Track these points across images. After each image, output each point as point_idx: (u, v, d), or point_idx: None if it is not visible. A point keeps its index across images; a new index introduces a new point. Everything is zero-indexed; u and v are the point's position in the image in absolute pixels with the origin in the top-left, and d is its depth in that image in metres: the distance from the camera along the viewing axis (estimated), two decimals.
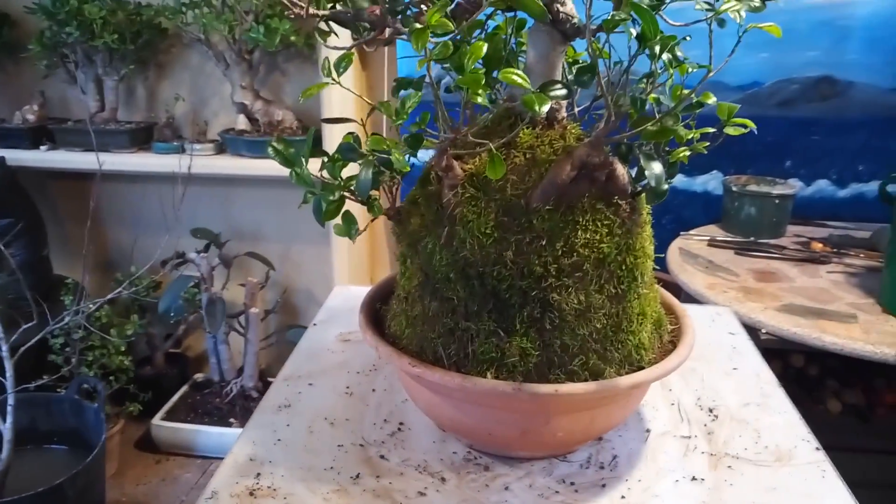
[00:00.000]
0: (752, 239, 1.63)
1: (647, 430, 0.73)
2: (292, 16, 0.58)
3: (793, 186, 1.73)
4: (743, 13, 0.58)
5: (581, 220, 0.59)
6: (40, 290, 1.80)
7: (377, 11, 0.58)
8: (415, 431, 0.72)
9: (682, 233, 1.66)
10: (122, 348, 1.83)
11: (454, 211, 0.60)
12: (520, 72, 0.46)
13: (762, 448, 0.70)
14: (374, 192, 0.59)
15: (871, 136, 1.82)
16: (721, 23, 0.58)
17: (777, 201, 1.66)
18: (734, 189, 1.69)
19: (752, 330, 1.21)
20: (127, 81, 1.89)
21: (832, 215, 1.84)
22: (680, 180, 1.87)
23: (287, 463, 0.66)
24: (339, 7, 0.61)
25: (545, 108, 0.46)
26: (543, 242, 0.59)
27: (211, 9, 1.58)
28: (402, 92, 0.56)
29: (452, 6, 0.59)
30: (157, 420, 1.87)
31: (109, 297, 1.52)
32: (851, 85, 1.79)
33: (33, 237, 1.87)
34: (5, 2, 1.87)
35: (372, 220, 0.61)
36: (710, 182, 1.87)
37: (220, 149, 1.80)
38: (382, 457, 0.68)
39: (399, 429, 0.72)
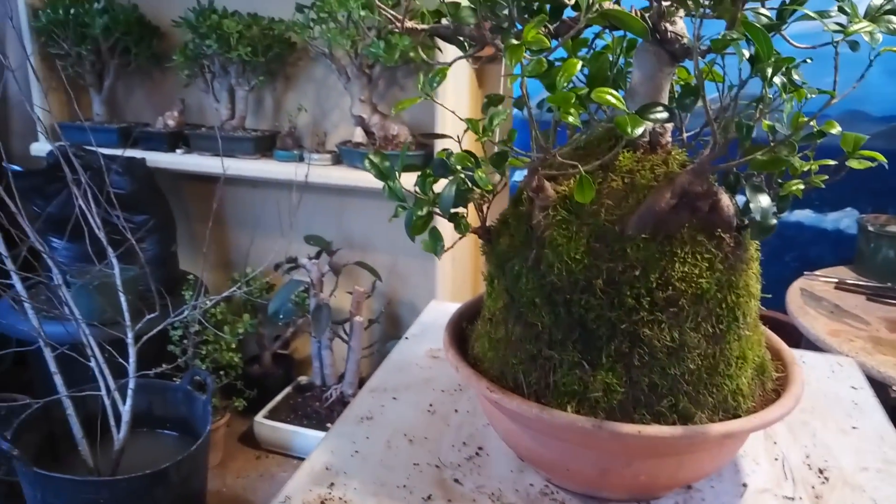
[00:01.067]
0: (888, 285, 1.48)
1: (744, 485, 0.67)
2: (395, 29, 0.59)
3: None
4: (878, 35, 0.53)
5: (679, 251, 0.56)
6: (167, 283, 1.92)
7: (486, 29, 0.57)
8: (493, 458, 0.70)
9: (806, 272, 1.54)
10: (233, 345, 1.92)
11: (544, 233, 0.58)
12: (614, 92, 0.44)
13: None
14: (461, 210, 0.58)
15: None
16: (854, 45, 0.53)
17: None
18: (871, 229, 1.55)
19: (880, 386, 1.10)
20: (256, 92, 2.00)
21: None
22: (808, 216, 1.74)
23: (361, 476, 0.66)
24: (443, 21, 0.61)
25: (638, 131, 0.43)
26: (637, 273, 0.55)
27: (337, 24, 1.64)
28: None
29: (556, 24, 0.57)
30: (259, 417, 1.94)
31: (224, 295, 1.60)
32: None
33: (164, 234, 2.00)
34: (156, 16, 2.03)
35: (459, 238, 0.60)
36: (843, 220, 1.72)
37: (337, 160, 1.86)
38: (457, 480, 0.66)
39: (477, 453, 0.70)
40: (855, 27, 0.51)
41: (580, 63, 0.44)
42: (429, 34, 0.60)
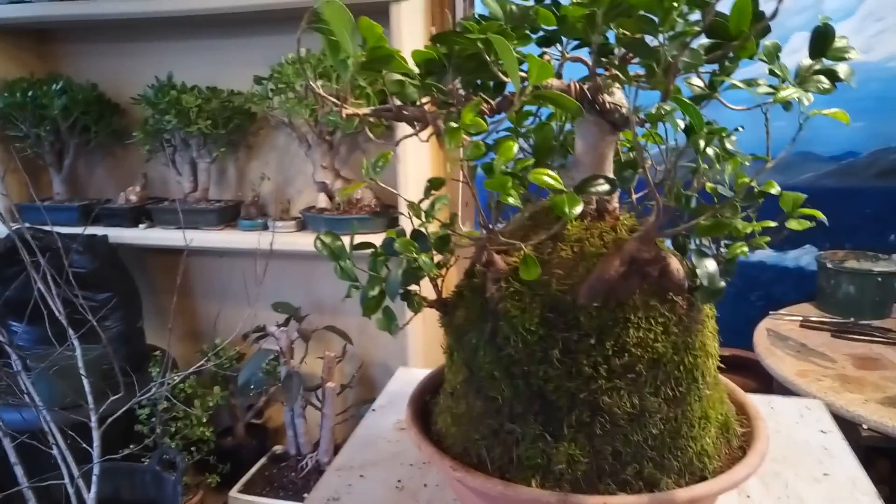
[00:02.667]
0: (851, 320, 1.51)
1: None
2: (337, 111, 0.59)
3: None
4: (810, 97, 0.55)
5: (633, 317, 0.56)
6: (133, 360, 1.88)
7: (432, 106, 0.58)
8: None
9: (771, 312, 1.56)
10: (204, 420, 1.87)
11: (498, 305, 0.58)
12: (551, 172, 0.45)
13: None
14: (414, 287, 0.58)
15: None
16: (787, 106, 0.55)
17: (879, 279, 1.54)
18: (830, 266, 1.58)
19: (850, 426, 1.11)
20: (219, 163, 2.00)
21: None
22: (769, 255, 1.77)
23: None
24: (392, 101, 0.62)
25: (576, 211, 0.44)
26: (592, 341, 0.56)
27: (295, 94, 1.66)
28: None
29: (499, 99, 0.58)
30: (234, 492, 1.89)
31: (192, 370, 1.57)
32: None
33: (129, 310, 1.97)
34: (115, 93, 2.04)
35: (413, 316, 0.60)
36: (804, 257, 1.76)
37: (302, 226, 1.86)
38: None
39: None
40: (783, 93, 0.53)
41: (516, 146, 0.45)
42: (373, 117, 0.61)
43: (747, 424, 0.66)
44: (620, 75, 0.54)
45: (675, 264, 0.57)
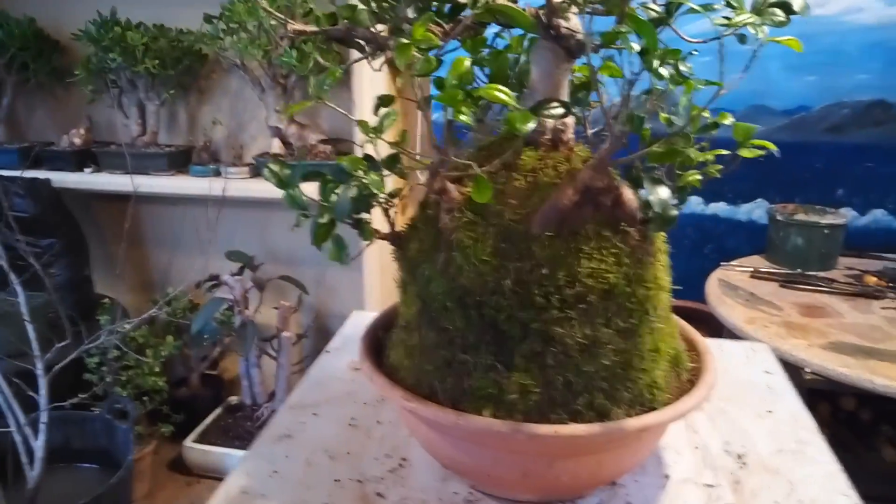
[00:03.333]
0: (798, 271, 1.54)
1: (667, 476, 0.68)
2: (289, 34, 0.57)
3: (844, 216, 1.64)
4: (765, 29, 0.54)
5: (585, 247, 0.55)
6: (82, 308, 1.83)
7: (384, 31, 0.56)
8: (416, 468, 0.68)
9: (722, 263, 1.58)
10: (157, 369, 1.84)
11: (451, 236, 0.57)
12: (504, 88, 0.43)
13: (795, 502, 0.64)
14: (366, 216, 0.56)
15: None
16: (741, 38, 0.54)
17: (826, 231, 1.58)
18: (780, 218, 1.61)
19: (794, 369, 1.14)
20: (169, 106, 1.93)
21: (889, 247, 1.73)
22: (723, 209, 1.80)
23: (280, 497, 0.63)
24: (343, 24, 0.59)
25: (529, 126, 0.43)
26: (545, 271, 0.55)
27: (247, 34, 1.60)
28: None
29: (453, 25, 0.56)
30: (188, 442, 1.87)
31: (143, 318, 1.53)
32: None
33: (75, 257, 1.91)
34: (56, 29, 1.94)
35: (367, 245, 0.59)
36: (755, 211, 1.79)
37: (255, 172, 1.82)
38: (379, 494, 0.64)
39: (400, 465, 0.69)
40: (738, 18, 0.52)
41: (468, 60, 0.43)
42: (322, 37, 0.58)
43: (696, 360, 0.67)
44: None
45: (628, 194, 0.56)
